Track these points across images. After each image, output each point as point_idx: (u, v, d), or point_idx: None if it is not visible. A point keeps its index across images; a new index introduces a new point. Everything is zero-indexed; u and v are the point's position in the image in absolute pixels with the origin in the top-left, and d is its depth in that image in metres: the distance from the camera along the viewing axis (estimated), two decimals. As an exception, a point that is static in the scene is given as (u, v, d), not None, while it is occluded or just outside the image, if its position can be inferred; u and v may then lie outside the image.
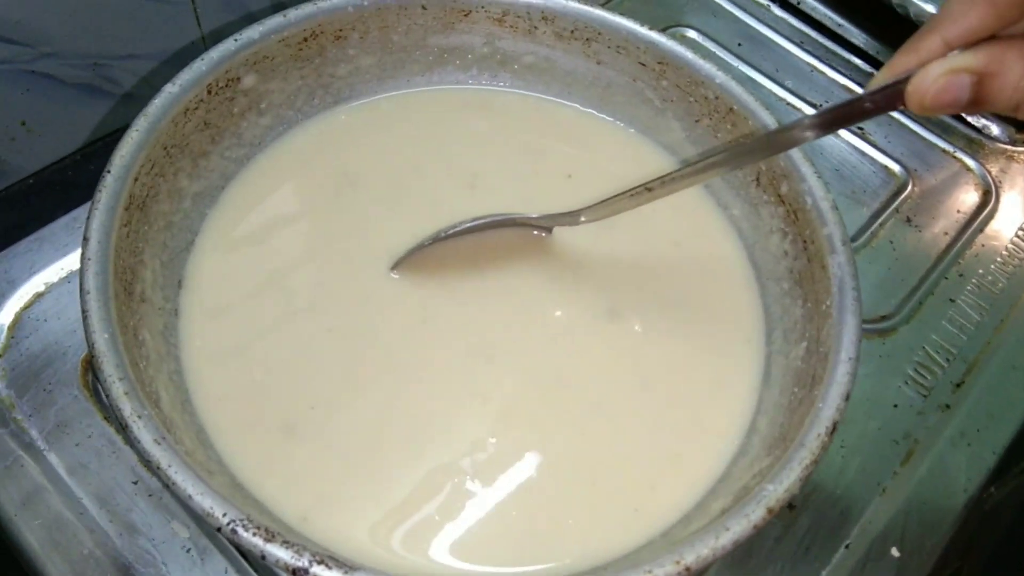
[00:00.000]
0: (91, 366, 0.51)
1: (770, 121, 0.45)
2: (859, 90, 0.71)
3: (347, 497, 0.39)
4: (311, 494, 0.39)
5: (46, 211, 0.59)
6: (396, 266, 0.45)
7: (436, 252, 0.46)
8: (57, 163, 0.66)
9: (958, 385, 0.58)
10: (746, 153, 0.39)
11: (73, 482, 0.49)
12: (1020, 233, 0.66)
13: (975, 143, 0.70)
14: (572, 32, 0.49)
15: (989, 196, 0.67)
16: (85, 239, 0.37)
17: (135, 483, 0.49)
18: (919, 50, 0.32)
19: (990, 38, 0.31)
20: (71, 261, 0.55)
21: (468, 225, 0.45)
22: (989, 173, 0.68)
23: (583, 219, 0.44)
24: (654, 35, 0.48)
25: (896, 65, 0.32)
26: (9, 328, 0.52)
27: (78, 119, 0.73)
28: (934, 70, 0.31)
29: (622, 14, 0.49)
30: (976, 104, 0.30)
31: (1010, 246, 0.65)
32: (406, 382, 0.42)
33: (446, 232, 0.45)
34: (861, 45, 0.75)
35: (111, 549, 0.47)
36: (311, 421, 0.41)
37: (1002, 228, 0.66)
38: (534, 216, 0.46)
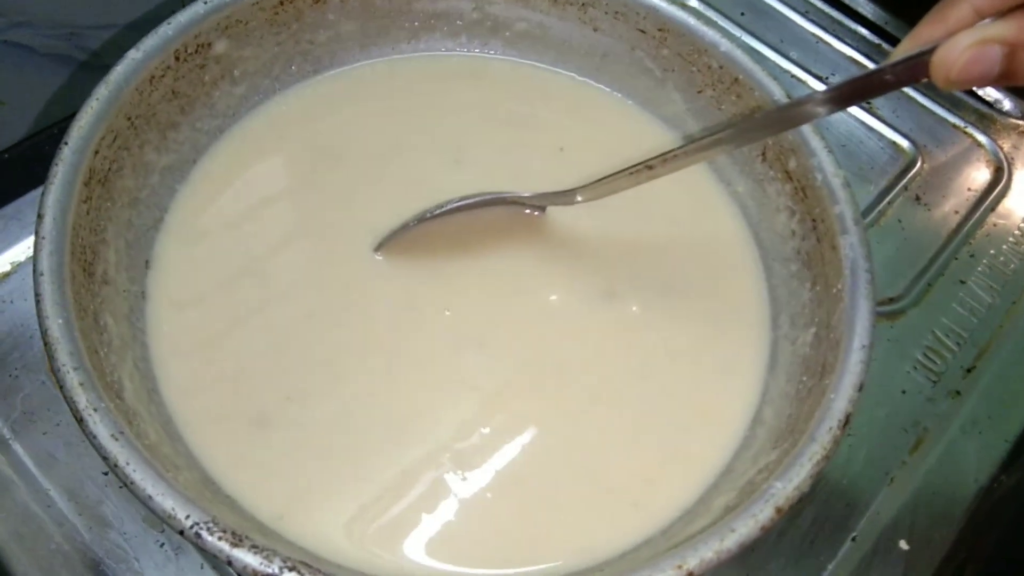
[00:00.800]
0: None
1: (778, 92, 0.42)
2: (866, 62, 0.69)
3: (325, 493, 0.37)
4: (287, 490, 0.36)
5: (21, 187, 0.57)
6: (380, 247, 0.43)
7: (422, 233, 0.43)
8: (31, 137, 0.63)
9: (969, 370, 0.56)
10: (753, 129, 0.36)
11: (40, 473, 0.47)
12: (1033, 212, 0.64)
13: (987, 118, 0.68)
14: (567, -4, 0.47)
15: (1001, 173, 0.65)
16: (39, 216, 0.34)
17: (105, 474, 0.47)
18: (947, 19, 0.29)
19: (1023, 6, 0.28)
20: (38, 240, 0.52)
21: (456, 204, 0.42)
22: (1001, 149, 0.66)
23: (579, 199, 0.42)
24: (654, 0, 0.45)
25: (921, 35, 0.30)
26: (-29, 310, 0.49)
27: (53, 91, 0.70)
28: (963, 40, 0.28)
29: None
30: (1006, 78, 0.28)
31: (1023, 225, 0.63)
32: (391, 370, 0.40)
33: (432, 212, 0.42)
34: (868, 15, 0.72)
35: (80, 544, 0.45)
36: (287, 412, 0.38)
37: (1015, 207, 0.64)
38: (526, 195, 0.43)
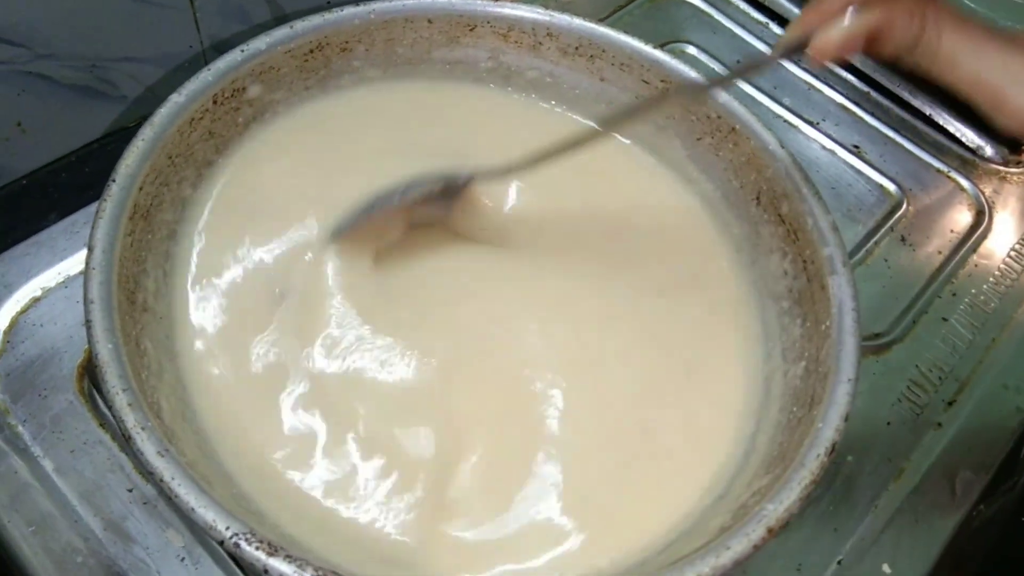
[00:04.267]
0: (88, 372, 0.51)
1: (772, 142, 0.46)
2: (855, 109, 0.72)
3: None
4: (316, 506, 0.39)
5: (39, 213, 0.59)
6: (335, 238, 0.44)
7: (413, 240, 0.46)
8: (51, 164, 0.65)
9: (950, 403, 0.58)
10: (663, 100, 0.43)
11: (67, 489, 0.49)
12: (1013, 253, 0.67)
13: (969, 163, 0.71)
14: (576, 49, 0.50)
15: (982, 216, 0.68)
16: (90, 248, 0.37)
17: (130, 491, 0.49)
18: (822, 10, 0.38)
19: None
20: (68, 266, 0.54)
21: (401, 193, 0.43)
22: (982, 193, 0.69)
23: (511, 172, 0.44)
24: (658, 54, 0.49)
25: (805, 22, 0.39)
26: (5, 332, 0.52)
27: (74, 121, 0.72)
28: (835, 32, 0.37)
29: (622, 29, 0.50)
30: (867, 53, 0.38)
31: (1003, 266, 0.66)
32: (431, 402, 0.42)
33: (381, 203, 0.43)
34: (857, 64, 0.75)
35: (105, 557, 0.47)
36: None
37: (995, 248, 0.67)
38: (464, 174, 0.44)
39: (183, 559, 0.48)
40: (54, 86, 0.75)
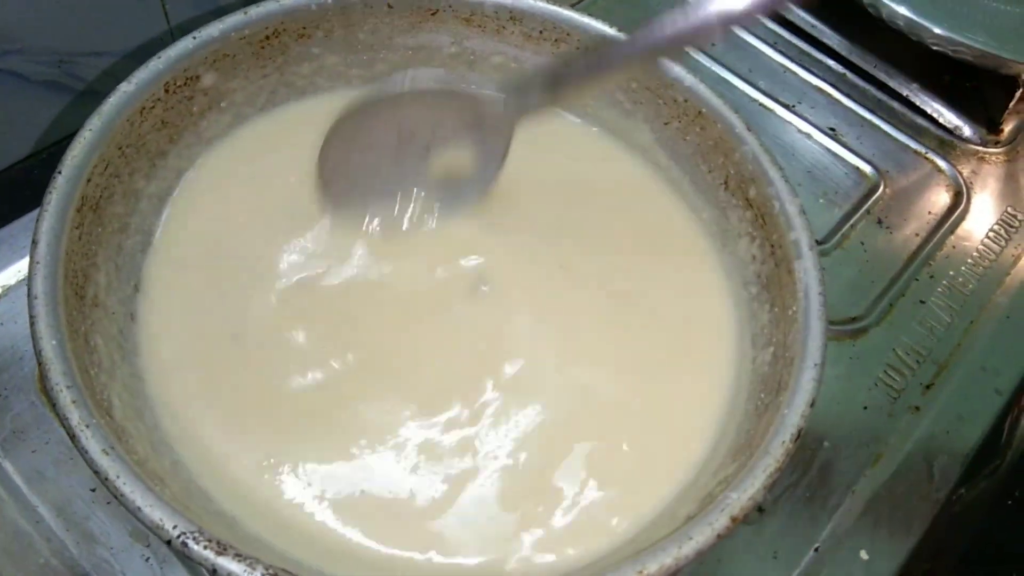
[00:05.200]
0: (43, 372, 0.50)
1: (739, 125, 0.45)
2: (831, 91, 0.71)
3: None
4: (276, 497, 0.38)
5: (11, 212, 0.58)
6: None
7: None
8: (21, 162, 0.64)
9: (928, 387, 0.58)
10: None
11: (29, 490, 0.48)
12: (991, 235, 0.66)
13: (947, 144, 0.70)
14: (541, 33, 0.49)
15: (960, 197, 0.67)
16: (34, 242, 0.36)
17: (93, 491, 0.48)
18: None
19: None
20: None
21: (404, 89, 0.42)
22: (960, 174, 0.69)
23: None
24: (624, 37, 0.48)
25: None
26: (-37, 332, 0.51)
27: (43, 118, 0.71)
28: None
29: (595, 15, 0.49)
30: None
31: (981, 247, 0.65)
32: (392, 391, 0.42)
33: (378, 95, 0.42)
34: (834, 46, 0.75)
35: (68, 558, 0.46)
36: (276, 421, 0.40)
37: (973, 229, 0.66)
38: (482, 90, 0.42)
39: (148, 559, 0.47)
40: (22, 82, 0.74)
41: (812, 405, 0.36)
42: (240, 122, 0.48)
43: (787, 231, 0.41)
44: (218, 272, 0.44)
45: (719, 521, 0.33)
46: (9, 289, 0.54)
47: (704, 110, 0.46)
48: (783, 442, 0.35)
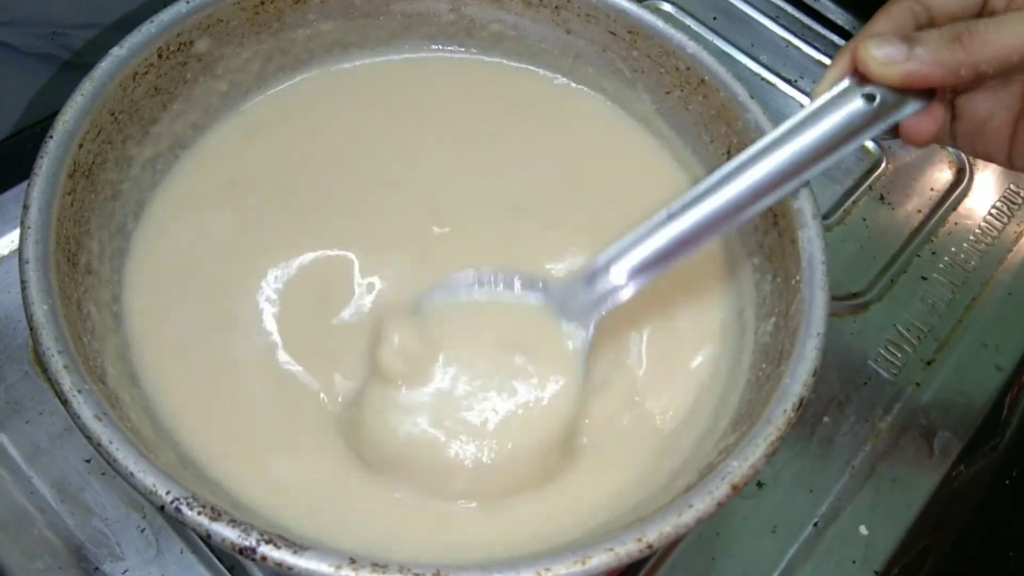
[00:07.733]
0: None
1: (742, 92, 0.44)
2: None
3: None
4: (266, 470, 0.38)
5: (3, 184, 0.57)
6: None
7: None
8: (15, 135, 0.64)
9: (929, 363, 0.58)
10: None
11: (23, 461, 0.48)
12: (993, 211, 0.66)
13: (950, 120, 0.70)
14: (541, 0, 0.48)
15: (963, 174, 0.67)
16: (25, 207, 0.35)
17: (88, 461, 0.48)
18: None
19: None
20: (22, 234, 0.53)
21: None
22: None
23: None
24: (624, 3, 0.47)
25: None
26: (-43, 302, 0.50)
27: (35, 90, 0.70)
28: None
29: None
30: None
31: (983, 224, 0.65)
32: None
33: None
34: (838, 21, 0.74)
35: (63, 530, 0.46)
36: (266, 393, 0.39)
37: (975, 206, 0.66)
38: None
39: (143, 530, 0.47)
40: (15, 54, 0.73)
41: (815, 375, 0.36)
42: (239, 94, 0.47)
43: (790, 200, 0.41)
44: (210, 242, 0.43)
45: (720, 489, 0.32)
46: (2, 260, 0.53)
47: (707, 78, 0.45)
48: (785, 411, 0.34)
